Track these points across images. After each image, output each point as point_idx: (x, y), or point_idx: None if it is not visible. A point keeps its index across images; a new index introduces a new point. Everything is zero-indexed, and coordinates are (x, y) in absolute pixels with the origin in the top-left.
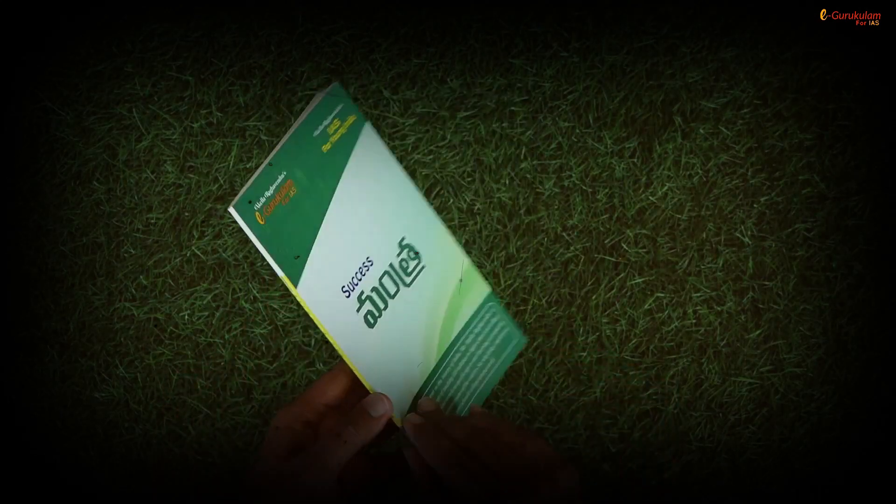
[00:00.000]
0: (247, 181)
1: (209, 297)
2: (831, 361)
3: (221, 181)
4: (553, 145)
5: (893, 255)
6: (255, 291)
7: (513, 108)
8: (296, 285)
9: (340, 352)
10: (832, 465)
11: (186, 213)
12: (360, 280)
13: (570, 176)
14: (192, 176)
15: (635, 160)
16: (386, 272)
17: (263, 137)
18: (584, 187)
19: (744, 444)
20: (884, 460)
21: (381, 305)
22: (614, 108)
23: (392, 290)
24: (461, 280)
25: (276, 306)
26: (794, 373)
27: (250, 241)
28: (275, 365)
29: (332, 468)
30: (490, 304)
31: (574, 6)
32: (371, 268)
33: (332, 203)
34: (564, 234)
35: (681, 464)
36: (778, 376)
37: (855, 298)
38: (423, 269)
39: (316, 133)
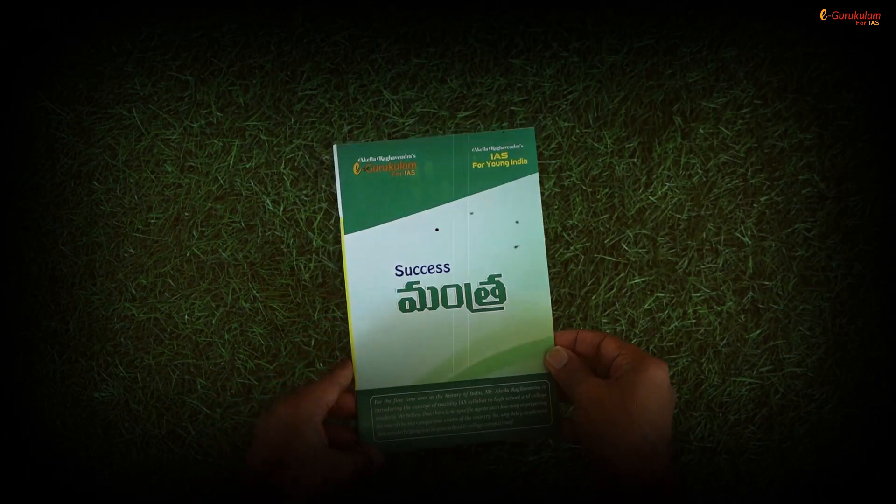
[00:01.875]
0: (372, 142)
1: (209, 297)
2: (831, 361)
3: (221, 181)
4: (553, 145)
5: (893, 255)
6: (255, 291)
7: (513, 108)
8: (346, 233)
9: (349, 305)
10: (832, 465)
11: (186, 213)
12: (421, 273)
13: (570, 176)
14: (192, 176)
15: (635, 160)
16: (457, 286)
17: (263, 137)
18: (584, 187)
19: (744, 444)
20: (884, 460)
21: (429, 305)
22: (614, 108)
23: (452, 301)
24: (532, 343)
25: (275, 306)
26: (794, 373)
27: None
28: (274, 365)
29: (324, 407)
30: (546, 381)
31: (574, 6)
32: (444, 273)
33: (447, 204)
34: (564, 233)
35: (681, 464)
36: (778, 376)
37: (855, 298)
38: (498, 311)
39: (476, 150)
